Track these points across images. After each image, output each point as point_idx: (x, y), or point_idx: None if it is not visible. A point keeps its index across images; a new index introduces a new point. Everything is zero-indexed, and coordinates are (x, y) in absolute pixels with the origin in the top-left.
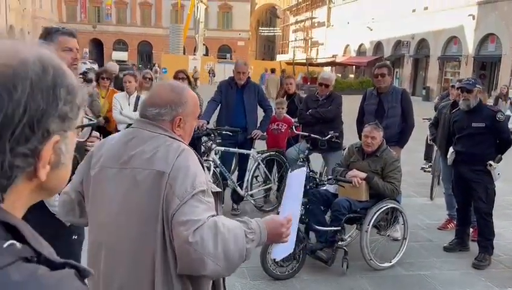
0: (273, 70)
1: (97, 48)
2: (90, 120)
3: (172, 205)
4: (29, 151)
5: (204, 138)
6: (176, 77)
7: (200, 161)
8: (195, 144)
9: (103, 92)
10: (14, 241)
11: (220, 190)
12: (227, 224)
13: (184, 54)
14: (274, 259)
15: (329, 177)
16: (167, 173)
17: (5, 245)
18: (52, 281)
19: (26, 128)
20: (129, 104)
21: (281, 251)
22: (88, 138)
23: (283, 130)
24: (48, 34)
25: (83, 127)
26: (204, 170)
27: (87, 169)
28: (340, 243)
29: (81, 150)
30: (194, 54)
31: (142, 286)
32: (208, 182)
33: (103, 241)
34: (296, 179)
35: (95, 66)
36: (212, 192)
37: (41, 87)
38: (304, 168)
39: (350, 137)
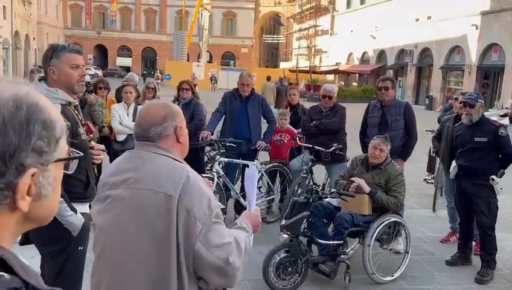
0: (268, 78)
1: (101, 54)
2: (77, 153)
3: (195, 230)
4: (3, 185)
5: (207, 148)
6: (179, 88)
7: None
8: (198, 154)
9: (103, 102)
10: (3, 273)
11: (223, 206)
12: (239, 237)
13: (188, 60)
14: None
15: (332, 190)
16: (175, 197)
17: None
18: None
19: None
20: (128, 115)
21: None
22: (75, 170)
23: (286, 141)
24: (55, 51)
25: (68, 159)
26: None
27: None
28: (342, 256)
29: (88, 162)
30: (198, 61)
31: None
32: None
33: (107, 262)
34: (250, 176)
35: (99, 72)
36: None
37: (13, 123)
38: (254, 166)
39: (353, 147)
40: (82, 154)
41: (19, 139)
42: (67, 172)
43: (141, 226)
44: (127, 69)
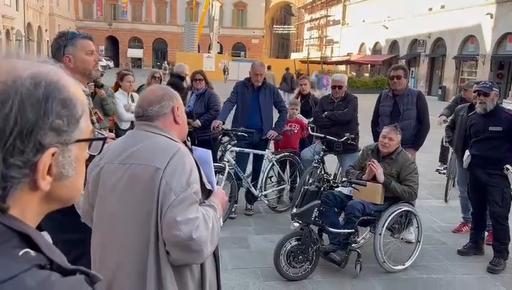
0: (269, 67)
1: (113, 46)
2: (101, 134)
3: (168, 200)
4: (22, 163)
5: (225, 138)
6: (192, 78)
7: (195, 161)
8: (211, 145)
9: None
10: (29, 250)
11: (212, 189)
12: (208, 213)
13: (198, 51)
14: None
15: (344, 179)
16: (161, 169)
17: (20, 253)
18: (64, 287)
19: (17, 140)
20: (128, 102)
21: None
22: (100, 152)
23: (296, 131)
24: (69, 39)
25: (92, 140)
26: (199, 168)
27: (89, 170)
28: (353, 245)
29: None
30: (209, 52)
31: (132, 276)
32: (203, 180)
33: (104, 230)
34: (204, 158)
35: (110, 63)
36: (206, 189)
37: (31, 101)
38: (202, 150)
39: (366, 138)
40: (105, 136)
41: (36, 117)
42: (92, 154)
43: (131, 196)
44: (138, 61)
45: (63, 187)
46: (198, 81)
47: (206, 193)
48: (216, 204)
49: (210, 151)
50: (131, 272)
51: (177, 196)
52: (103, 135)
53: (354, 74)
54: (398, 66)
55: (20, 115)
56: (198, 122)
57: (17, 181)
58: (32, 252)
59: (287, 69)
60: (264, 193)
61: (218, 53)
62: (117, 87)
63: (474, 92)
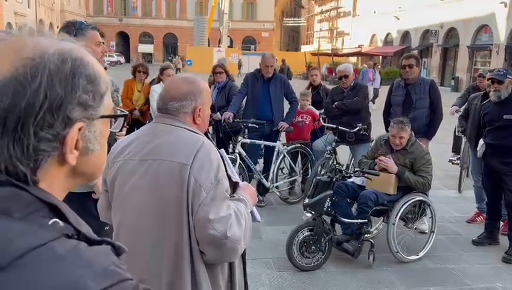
0: (283, 61)
1: (123, 41)
2: (122, 112)
3: (199, 198)
4: (51, 137)
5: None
6: (213, 72)
7: (219, 153)
8: (222, 139)
9: (139, 86)
10: (57, 220)
11: (239, 180)
12: (239, 209)
13: (209, 46)
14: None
15: (356, 169)
16: (188, 166)
17: (50, 222)
18: (91, 254)
19: (47, 114)
20: None
21: (256, 213)
22: (121, 129)
23: (307, 123)
24: (78, 29)
25: (114, 116)
26: (224, 161)
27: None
28: (366, 235)
29: (111, 139)
30: (219, 46)
31: (163, 277)
32: (230, 172)
33: (125, 230)
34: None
35: (121, 59)
36: (233, 181)
37: (59, 76)
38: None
39: (378, 129)
40: (127, 112)
41: (64, 92)
42: (113, 130)
43: (157, 195)
44: (149, 56)
45: (89, 162)
46: (219, 74)
47: (232, 185)
48: (246, 197)
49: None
50: (163, 275)
51: (208, 193)
52: (124, 111)
53: (366, 66)
54: (409, 55)
55: (49, 90)
56: (218, 116)
57: (47, 154)
58: (61, 223)
59: (283, 60)
60: (275, 184)
61: (229, 47)
62: (159, 80)
63: (488, 79)
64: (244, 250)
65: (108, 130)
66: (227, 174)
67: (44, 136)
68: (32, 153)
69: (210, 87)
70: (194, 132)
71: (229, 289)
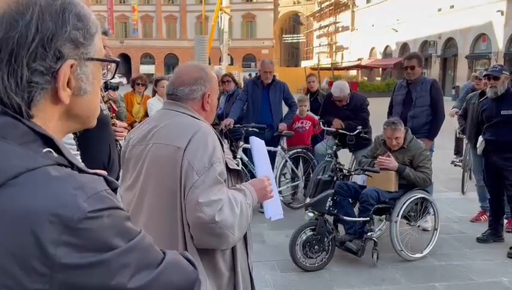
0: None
1: (125, 62)
2: (115, 59)
3: (191, 180)
4: (44, 69)
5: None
6: (222, 81)
7: (219, 139)
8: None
9: (138, 98)
10: (51, 150)
11: (239, 168)
12: (235, 197)
13: (209, 64)
14: (269, 219)
15: (356, 168)
16: (182, 149)
17: (44, 150)
18: (85, 179)
19: (39, 46)
20: None
21: (271, 210)
22: (113, 77)
23: (307, 128)
24: None
25: (105, 60)
26: (223, 147)
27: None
28: (369, 234)
29: (111, 137)
30: (220, 64)
31: None
32: (227, 159)
33: (127, 208)
34: (258, 144)
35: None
36: (232, 169)
37: (50, 11)
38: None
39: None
40: (118, 60)
41: (55, 26)
42: (106, 78)
43: (155, 179)
44: (151, 76)
45: (82, 103)
46: (227, 83)
47: (235, 176)
48: (248, 189)
49: (263, 141)
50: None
51: (200, 176)
52: (115, 59)
53: (366, 78)
54: (411, 55)
55: (40, 23)
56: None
57: (40, 87)
58: (55, 153)
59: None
60: (278, 189)
61: (229, 65)
62: (154, 93)
63: (484, 76)
64: (246, 244)
65: (100, 74)
66: (226, 161)
67: (37, 68)
68: (25, 84)
69: (219, 97)
70: (195, 117)
71: (232, 278)
